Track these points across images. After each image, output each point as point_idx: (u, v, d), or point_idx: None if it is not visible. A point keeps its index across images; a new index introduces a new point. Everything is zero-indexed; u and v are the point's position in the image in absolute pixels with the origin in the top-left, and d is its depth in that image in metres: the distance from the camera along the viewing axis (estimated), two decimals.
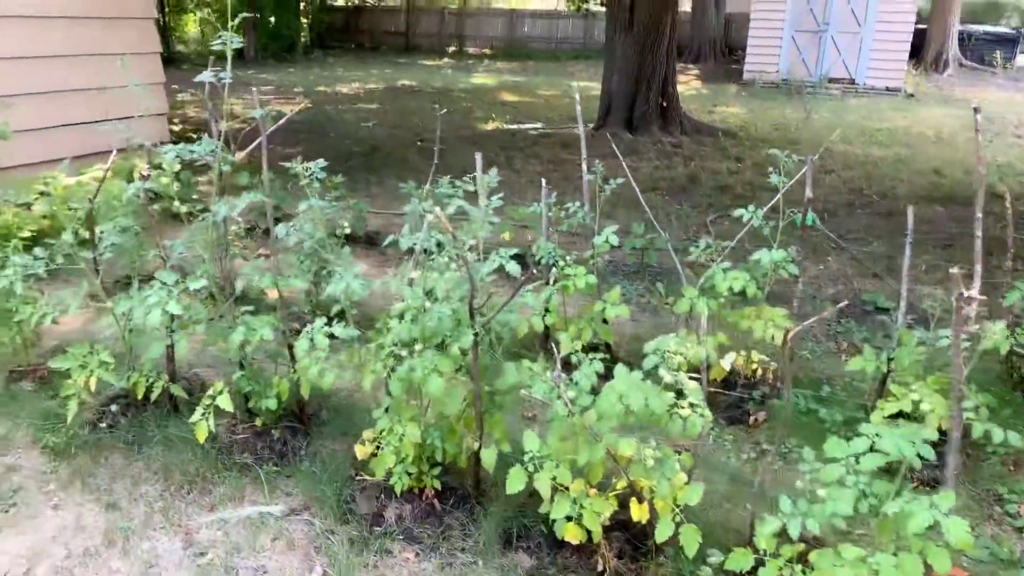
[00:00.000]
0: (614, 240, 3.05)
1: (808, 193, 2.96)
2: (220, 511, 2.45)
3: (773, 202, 3.06)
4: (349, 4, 26.02)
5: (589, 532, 2.04)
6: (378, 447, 2.42)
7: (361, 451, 2.49)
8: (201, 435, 2.58)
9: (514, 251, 2.16)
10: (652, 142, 9.05)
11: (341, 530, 2.38)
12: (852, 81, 16.51)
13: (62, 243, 2.80)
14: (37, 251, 2.81)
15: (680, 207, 6.52)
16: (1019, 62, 19.75)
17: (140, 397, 2.88)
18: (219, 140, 2.66)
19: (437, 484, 2.42)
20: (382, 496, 2.49)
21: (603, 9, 18.39)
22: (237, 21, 2.60)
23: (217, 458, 2.68)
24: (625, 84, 9.44)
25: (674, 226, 5.95)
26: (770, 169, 3.40)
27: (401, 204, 5.99)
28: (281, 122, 3.24)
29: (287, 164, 2.73)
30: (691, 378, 2.05)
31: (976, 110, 2.40)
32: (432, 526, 2.38)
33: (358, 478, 2.59)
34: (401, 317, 2.34)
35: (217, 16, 22.16)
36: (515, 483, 2.03)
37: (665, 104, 9.60)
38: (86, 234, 2.92)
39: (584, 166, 3.40)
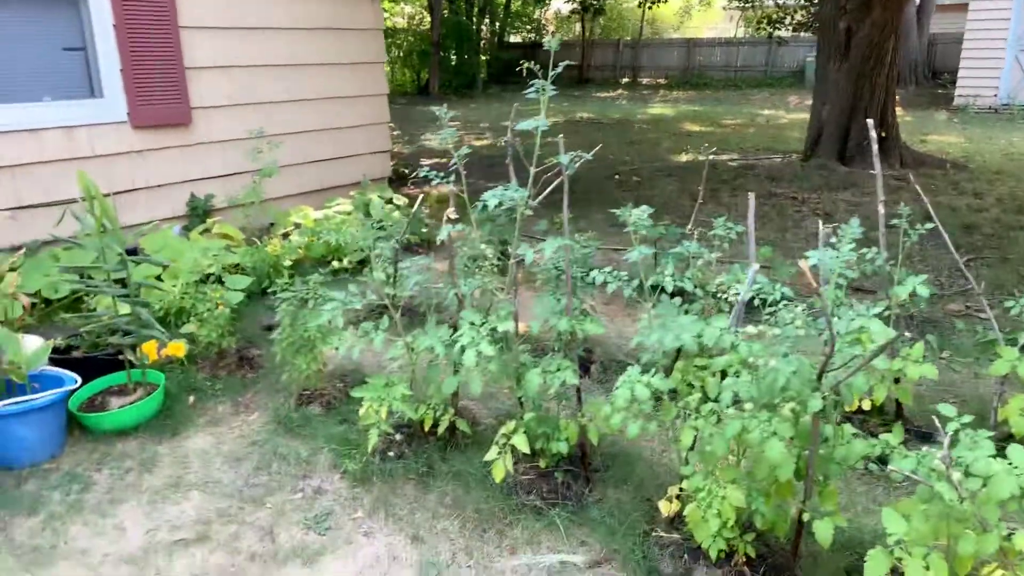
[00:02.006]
0: (924, 292, 2.77)
1: None
2: (522, 555, 2.44)
3: None
4: (526, 40, 26.85)
5: None
6: (683, 505, 2.32)
7: (666, 508, 2.39)
8: (499, 474, 2.60)
9: (874, 310, 1.98)
10: (872, 175, 8.43)
11: None
12: None
13: (375, 280, 2.95)
14: (351, 288, 2.96)
15: (923, 247, 5.97)
16: None
17: (427, 429, 2.97)
18: (529, 185, 2.69)
19: (751, 551, 2.27)
20: (686, 557, 2.37)
21: (790, 34, 17.64)
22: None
23: (506, 498, 2.69)
24: (838, 113, 8.90)
25: (917, 269, 5.45)
26: None
27: (609, 238, 5.93)
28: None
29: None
30: None
31: None
32: None
33: (654, 534, 2.50)
34: (723, 373, 2.23)
35: (403, 56, 23.65)
36: (877, 568, 1.83)
37: (884, 134, 8.93)
38: (379, 272, 3.06)
39: (881, 208, 3.14)
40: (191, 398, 3.52)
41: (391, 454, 2.99)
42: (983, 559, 1.88)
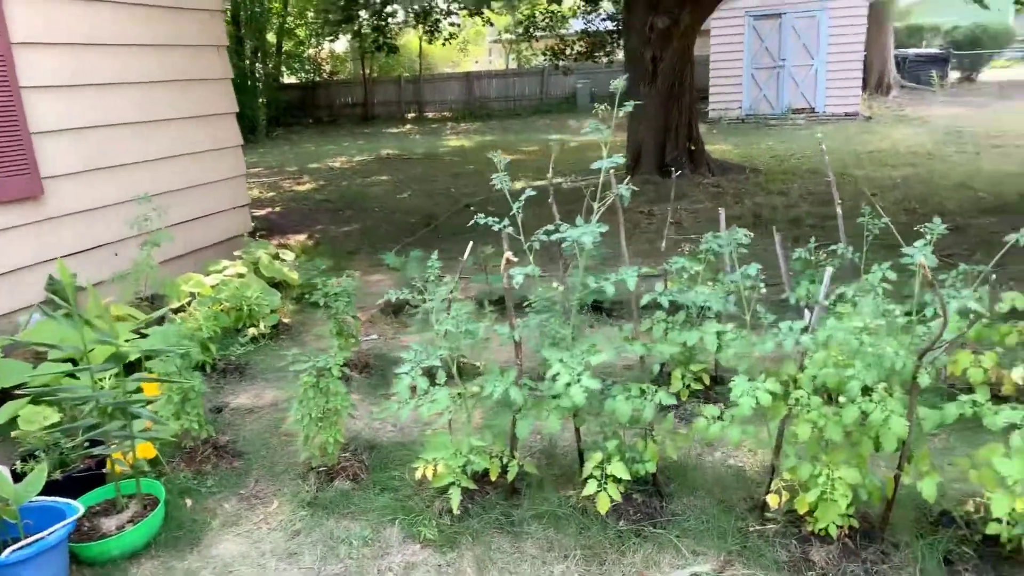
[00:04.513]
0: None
1: None
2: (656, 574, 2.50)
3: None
4: (304, 80, 26.22)
5: None
6: (790, 496, 2.55)
7: (774, 501, 2.60)
8: (604, 506, 2.65)
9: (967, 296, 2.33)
10: (693, 184, 9.47)
11: None
12: (813, 110, 17.60)
13: (438, 334, 2.83)
14: (415, 346, 2.80)
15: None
16: (952, 78, 21.48)
17: (493, 479, 2.91)
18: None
19: (855, 523, 2.54)
20: (794, 542, 2.59)
21: (575, 63, 19.14)
22: None
23: (603, 528, 2.73)
24: (653, 132, 9.89)
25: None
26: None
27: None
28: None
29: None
30: None
31: None
32: (858, 563, 2.49)
33: (752, 530, 2.69)
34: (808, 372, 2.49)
35: None
36: (1001, 507, 2.18)
37: (693, 147, 10.08)
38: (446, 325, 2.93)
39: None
40: (187, 501, 3.09)
41: (457, 512, 2.88)
42: None
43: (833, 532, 2.47)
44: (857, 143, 13.50)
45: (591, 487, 2.67)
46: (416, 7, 16.45)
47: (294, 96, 25.35)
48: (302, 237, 8.27)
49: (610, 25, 16.48)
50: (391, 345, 4.86)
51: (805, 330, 2.36)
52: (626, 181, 2.83)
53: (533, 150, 16.12)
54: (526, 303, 3.25)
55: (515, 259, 2.72)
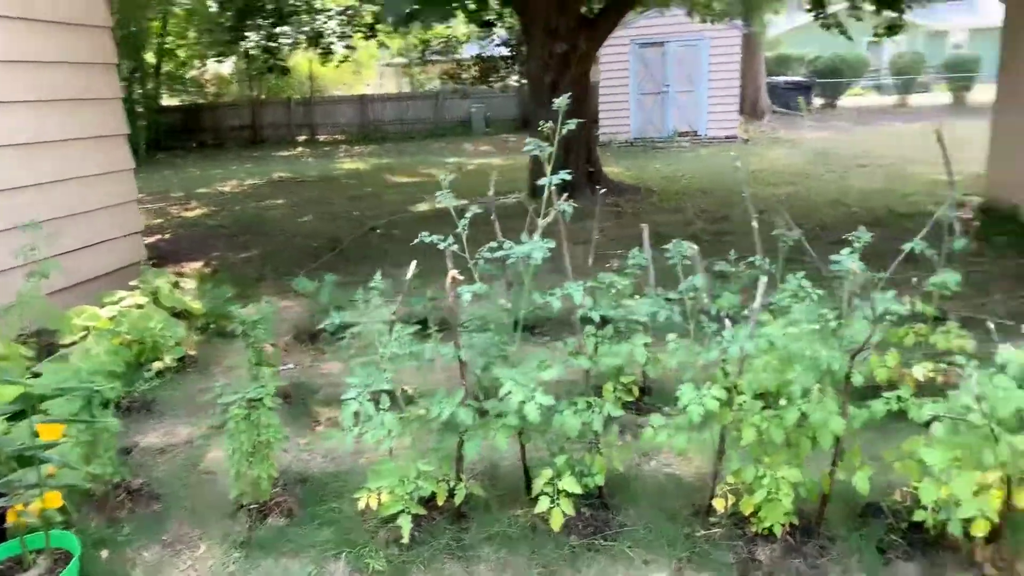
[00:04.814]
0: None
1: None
2: None
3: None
4: (186, 103, 25.10)
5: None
6: (736, 499, 2.63)
7: (721, 504, 2.68)
8: (557, 522, 2.64)
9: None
10: (594, 205, 9.71)
11: None
12: (696, 134, 18.55)
13: (384, 359, 2.74)
14: (358, 370, 2.70)
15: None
16: (816, 104, 23.25)
17: (441, 503, 2.84)
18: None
19: (795, 520, 2.65)
20: (740, 543, 2.67)
21: (471, 87, 19.31)
22: None
23: (557, 545, 2.72)
24: (555, 154, 10.08)
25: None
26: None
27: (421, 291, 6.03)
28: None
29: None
30: None
31: None
32: (800, 558, 2.60)
33: (698, 535, 2.75)
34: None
35: None
36: (929, 494, 2.34)
37: (592, 169, 10.37)
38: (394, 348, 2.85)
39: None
40: (103, 553, 2.83)
41: (404, 541, 2.79)
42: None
43: (777, 531, 2.57)
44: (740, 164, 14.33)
45: (544, 504, 2.66)
46: (308, 29, 16.17)
47: (176, 119, 24.19)
48: (198, 265, 7.85)
49: (504, 51, 16.78)
50: (310, 373, 4.68)
51: (750, 338, 2.46)
52: (552, 201, 2.87)
53: (431, 172, 16.09)
54: (459, 324, 3.22)
55: (461, 277, 2.69)
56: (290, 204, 11.95)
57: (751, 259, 3.67)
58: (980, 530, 2.36)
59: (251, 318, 3.89)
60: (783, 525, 2.60)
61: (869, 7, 11.30)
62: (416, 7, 7.38)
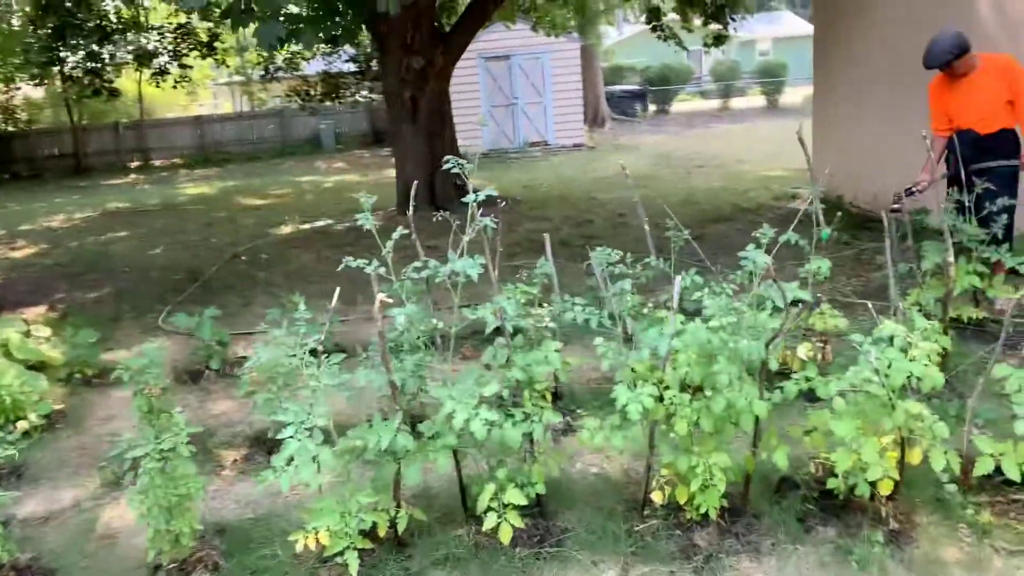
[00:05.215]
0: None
1: None
2: None
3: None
4: None
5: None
6: (671, 490, 2.77)
7: (659, 496, 2.79)
8: (507, 536, 2.65)
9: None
10: (464, 217, 9.78)
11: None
12: (546, 143, 19.18)
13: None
14: (292, 407, 2.55)
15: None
16: (650, 110, 24.75)
17: (383, 533, 2.76)
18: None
19: (725, 502, 2.82)
20: (677, 532, 2.81)
21: (319, 104, 18.80)
22: None
23: (508, 560, 2.72)
24: (421, 169, 10.07)
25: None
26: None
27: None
28: None
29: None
30: None
31: None
32: (733, 538, 2.78)
33: (636, 529, 2.86)
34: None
35: None
36: (844, 461, 2.58)
37: (458, 182, 10.43)
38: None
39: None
40: None
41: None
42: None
43: (712, 515, 2.72)
44: (590, 170, 14.98)
45: (492, 520, 2.66)
46: (134, 48, 15.08)
47: None
48: (42, 309, 7.10)
49: (352, 67, 16.51)
50: (200, 416, 4.37)
51: (676, 335, 2.60)
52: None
53: (285, 192, 15.52)
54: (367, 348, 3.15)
55: (390, 300, 2.64)
56: (135, 236, 11.07)
57: (646, 259, 3.88)
58: (886, 489, 2.64)
59: (138, 362, 3.60)
60: (716, 508, 2.77)
61: (697, 21, 12.25)
62: (288, 31, 7.12)
